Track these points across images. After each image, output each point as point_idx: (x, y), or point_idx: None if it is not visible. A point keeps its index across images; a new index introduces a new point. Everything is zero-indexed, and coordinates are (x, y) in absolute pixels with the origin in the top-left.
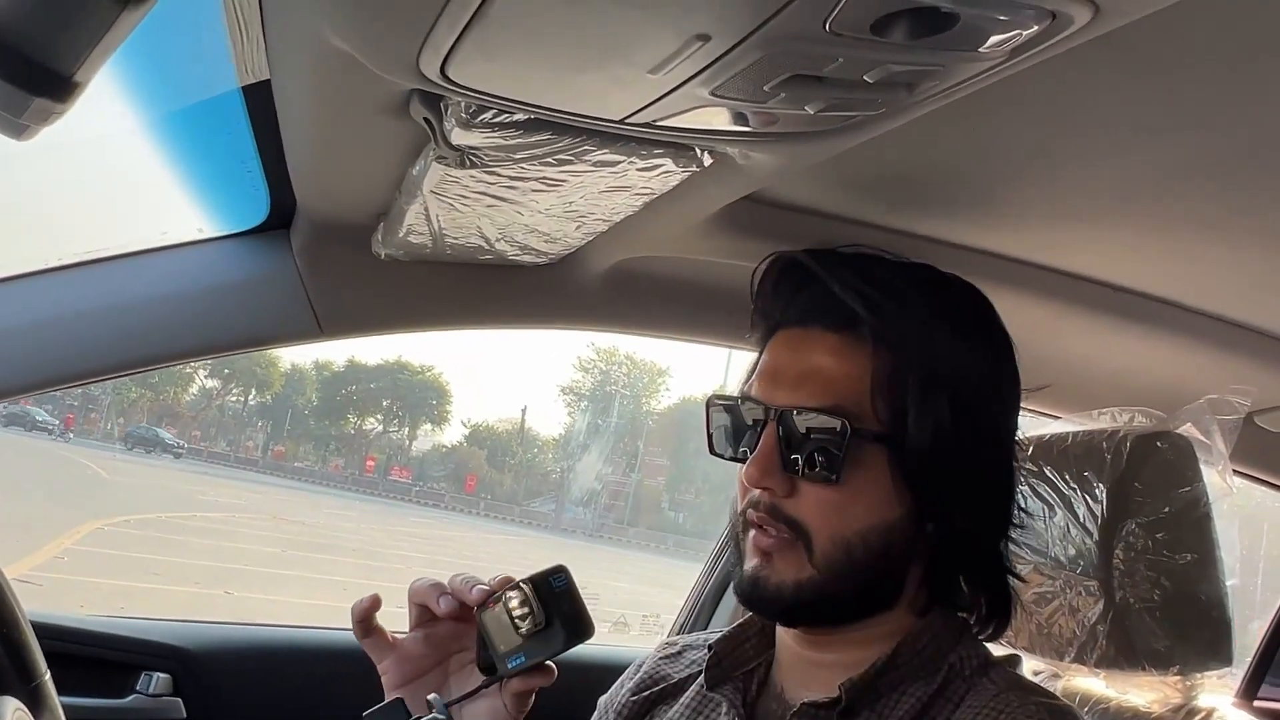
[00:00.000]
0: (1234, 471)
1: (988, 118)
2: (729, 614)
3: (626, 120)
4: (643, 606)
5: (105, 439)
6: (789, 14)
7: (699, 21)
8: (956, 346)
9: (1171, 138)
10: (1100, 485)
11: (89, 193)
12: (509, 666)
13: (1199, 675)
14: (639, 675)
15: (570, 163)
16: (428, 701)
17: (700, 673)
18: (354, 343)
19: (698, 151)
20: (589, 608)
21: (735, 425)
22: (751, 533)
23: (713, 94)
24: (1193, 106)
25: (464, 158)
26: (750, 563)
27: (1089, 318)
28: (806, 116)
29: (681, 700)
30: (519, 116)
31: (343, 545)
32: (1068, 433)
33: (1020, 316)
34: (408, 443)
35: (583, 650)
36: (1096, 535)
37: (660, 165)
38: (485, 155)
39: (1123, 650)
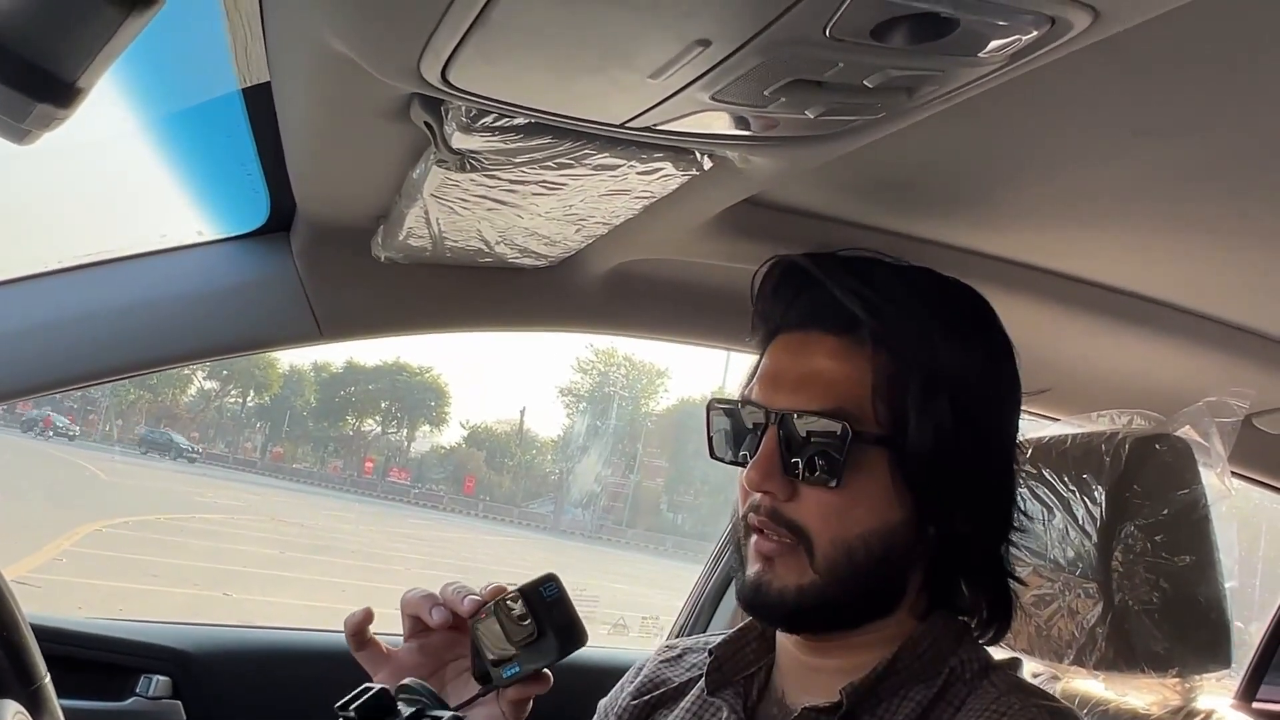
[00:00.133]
0: (1232, 474)
1: (987, 121)
2: (729, 616)
3: (627, 124)
4: (642, 608)
5: (104, 440)
6: (790, 19)
7: (700, 26)
8: (956, 349)
9: (1170, 140)
10: (1099, 487)
11: (89, 195)
12: (504, 677)
13: (1198, 677)
14: (639, 679)
15: (570, 166)
16: (404, 685)
17: (701, 676)
18: (353, 344)
19: (698, 155)
20: (587, 611)
21: (736, 429)
22: (753, 538)
23: (713, 98)
24: (1191, 109)
25: (464, 161)
26: (752, 568)
27: (1088, 320)
28: (806, 121)
29: (682, 704)
30: (519, 120)
31: (341, 547)
32: (1066, 435)
33: (1019, 319)
34: (406, 444)
35: (582, 653)
36: (1095, 537)
37: (660, 169)
38: (485, 159)
39: (1122, 652)
